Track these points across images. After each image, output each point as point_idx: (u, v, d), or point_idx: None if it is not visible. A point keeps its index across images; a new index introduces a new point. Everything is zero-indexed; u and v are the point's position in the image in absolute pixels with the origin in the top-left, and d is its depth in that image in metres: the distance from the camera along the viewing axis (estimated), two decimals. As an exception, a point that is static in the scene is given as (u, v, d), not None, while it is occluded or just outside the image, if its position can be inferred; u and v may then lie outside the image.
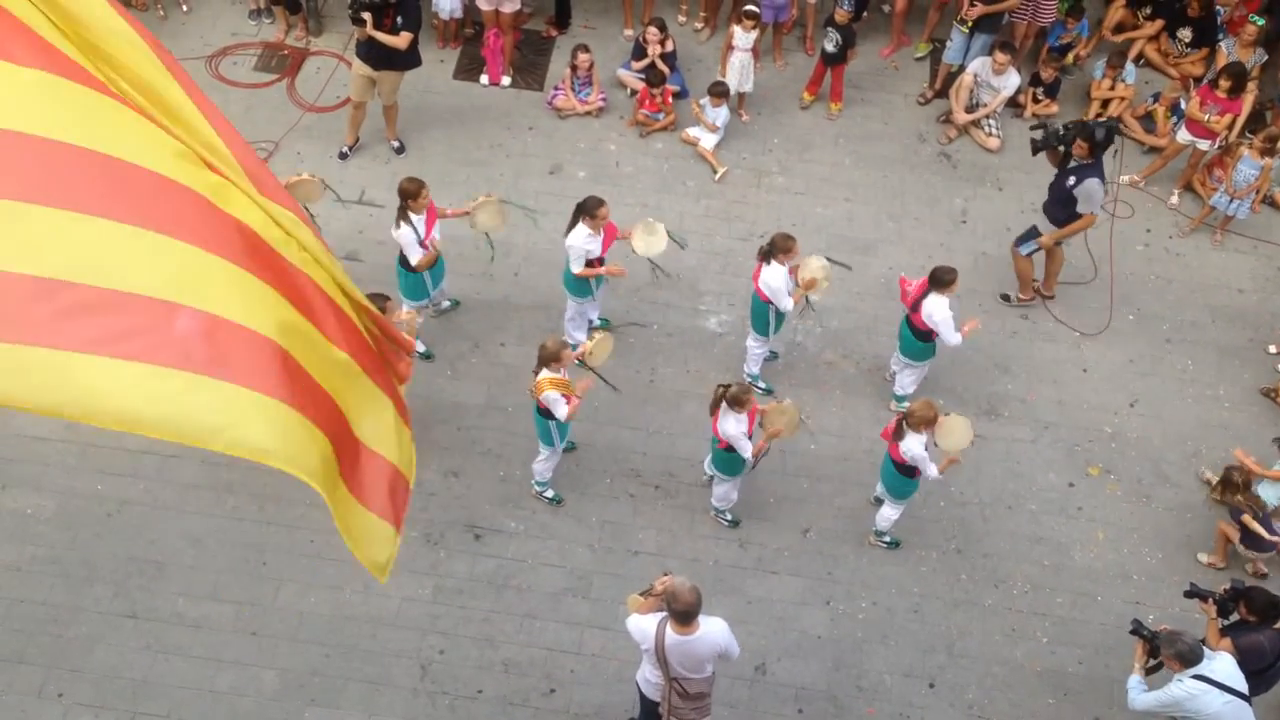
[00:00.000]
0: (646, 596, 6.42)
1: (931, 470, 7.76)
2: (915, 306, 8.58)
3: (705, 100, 10.95)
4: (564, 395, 7.80)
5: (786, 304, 8.59)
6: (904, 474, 8.00)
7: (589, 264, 8.67)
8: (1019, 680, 8.11)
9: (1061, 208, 9.41)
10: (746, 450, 7.82)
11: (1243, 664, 6.96)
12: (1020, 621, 8.38)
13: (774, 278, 8.49)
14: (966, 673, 8.12)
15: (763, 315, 8.86)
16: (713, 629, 6.27)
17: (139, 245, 3.85)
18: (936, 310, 8.43)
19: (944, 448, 7.90)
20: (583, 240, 8.51)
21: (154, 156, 4.02)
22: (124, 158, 3.95)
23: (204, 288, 3.91)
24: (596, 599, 8.24)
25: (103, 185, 3.88)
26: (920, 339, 8.75)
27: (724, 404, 7.71)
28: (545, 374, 7.74)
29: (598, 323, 9.53)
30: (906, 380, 9.12)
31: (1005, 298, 10.19)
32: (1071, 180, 9.23)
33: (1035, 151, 9.35)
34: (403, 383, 5.05)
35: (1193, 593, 7.31)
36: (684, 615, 6.13)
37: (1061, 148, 9.20)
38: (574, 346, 8.75)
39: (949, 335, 8.49)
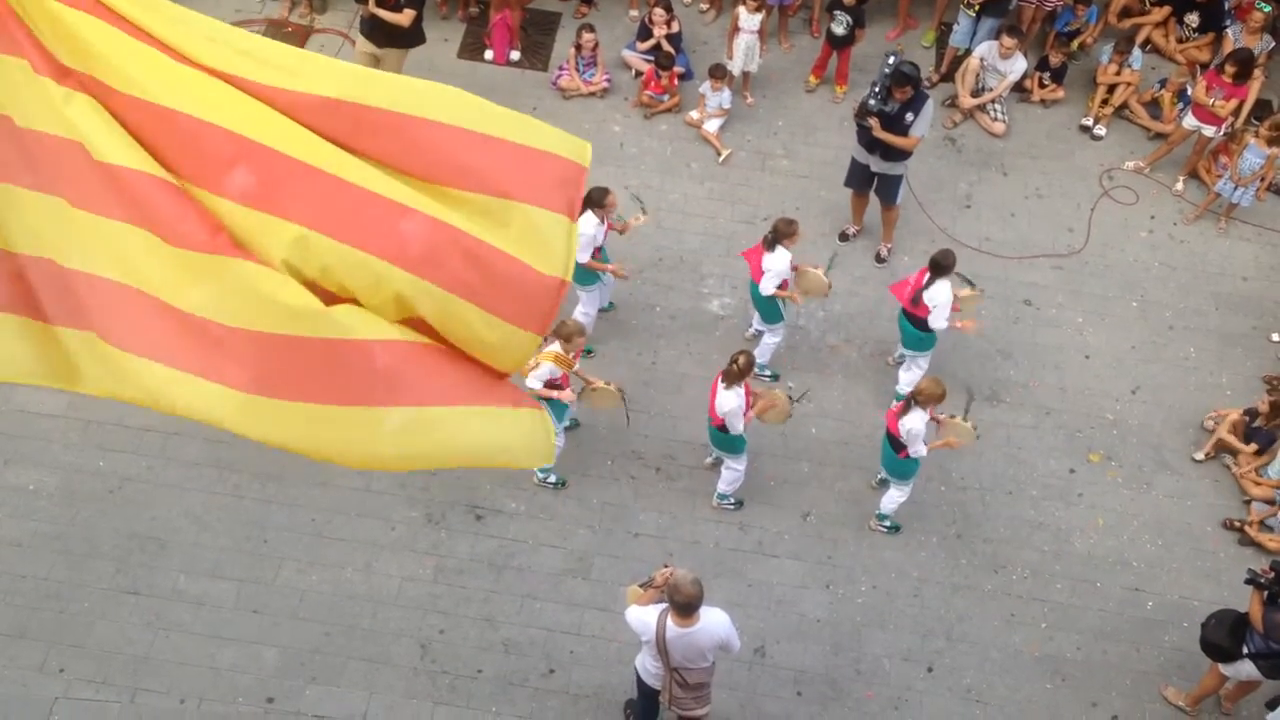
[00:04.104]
0: (646, 588, 6.41)
1: (921, 448, 7.79)
2: (916, 299, 8.56)
3: (705, 85, 10.89)
4: (562, 376, 7.84)
5: (770, 287, 8.58)
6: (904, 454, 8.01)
7: (592, 256, 8.67)
8: (1017, 665, 8.13)
9: (898, 151, 9.54)
10: (739, 426, 7.86)
11: (1266, 638, 7.20)
12: (1019, 607, 8.40)
13: (778, 262, 8.49)
14: (965, 657, 8.14)
15: (771, 303, 8.85)
16: (713, 620, 6.24)
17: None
18: (940, 294, 8.42)
19: (944, 436, 7.96)
20: (592, 228, 8.50)
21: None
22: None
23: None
24: (596, 580, 8.26)
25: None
26: (922, 328, 8.74)
27: (743, 374, 7.74)
28: (553, 347, 7.73)
29: (607, 306, 9.51)
30: (911, 377, 9.08)
31: (844, 236, 10.38)
32: (910, 116, 9.30)
33: (862, 124, 9.41)
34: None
35: (1252, 580, 7.29)
36: (685, 607, 6.10)
37: (885, 107, 9.25)
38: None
39: (939, 319, 8.49)
